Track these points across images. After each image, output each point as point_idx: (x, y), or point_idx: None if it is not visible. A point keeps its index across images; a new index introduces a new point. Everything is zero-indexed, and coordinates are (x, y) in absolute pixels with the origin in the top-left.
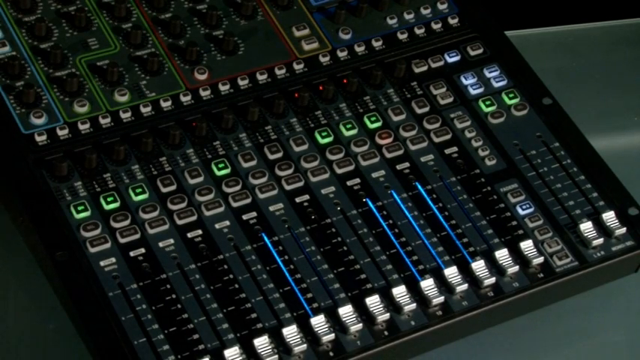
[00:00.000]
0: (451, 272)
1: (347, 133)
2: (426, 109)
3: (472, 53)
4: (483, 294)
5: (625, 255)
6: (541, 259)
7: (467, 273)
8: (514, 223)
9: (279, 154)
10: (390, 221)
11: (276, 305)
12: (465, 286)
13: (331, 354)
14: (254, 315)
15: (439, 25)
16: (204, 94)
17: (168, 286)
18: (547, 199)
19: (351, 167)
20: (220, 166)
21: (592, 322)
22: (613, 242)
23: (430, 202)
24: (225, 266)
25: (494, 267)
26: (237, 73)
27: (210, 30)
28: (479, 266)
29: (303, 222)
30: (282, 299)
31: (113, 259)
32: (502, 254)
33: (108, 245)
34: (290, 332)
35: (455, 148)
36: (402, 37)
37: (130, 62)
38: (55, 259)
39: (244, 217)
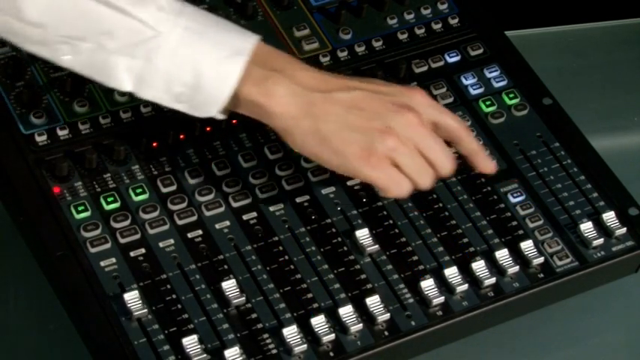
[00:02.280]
0: (451, 272)
1: None
2: None
3: (472, 53)
4: (483, 294)
5: (625, 255)
6: (541, 259)
7: (467, 273)
8: (514, 223)
9: (279, 154)
10: (390, 221)
11: (276, 305)
12: (465, 286)
13: (331, 354)
14: (254, 315)
15: (439, 25)
16: None
17: (168, 286)
18: (547, 199)
19: None
20: (220, 166)
21: (592, 322)
22: (613, 242)
23: (430, 202)
24: (225, 266)
25: (495, 267)
26: None
27: None
28: (479, 266)
29: (303, 222)
30: (282, 299)
31: (113, 259)
32: (502, 254)
33: (108, 245)
34: (290, 332)
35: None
36: (402, 37)
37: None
38: (55, 259)
39: (244, 217)
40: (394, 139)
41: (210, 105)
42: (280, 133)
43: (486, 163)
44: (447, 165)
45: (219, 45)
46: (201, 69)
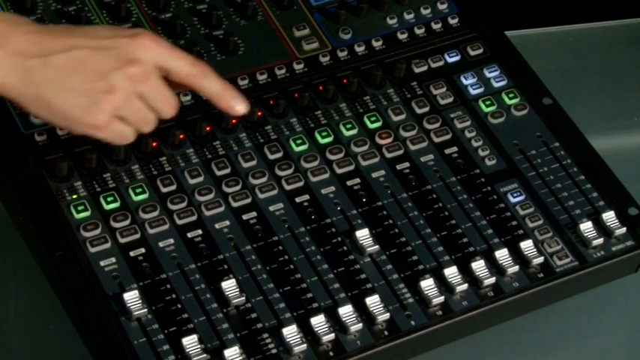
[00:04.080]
0: (451, 272)
1: (347, 133)
2: (426, 109)
3: (472, 53)
4: (483, 294)
5: (625, 255)
6: (541, 259)
7: (467, 273)
8: (514, 223)
9: (279, 154)
10: (390, 221)
11: (276, 305)
12: (465, 286)
13: (331, 354)
14: (254, 315)
15: (439, 25)
16: None
17: (168, 286)
18: (547, 199)
19: (351, 167)
20: (220, 166)
21: (592, 322)
22: (613, 242)
23: (430, 202)
24: (225, 266)
25: (494, 267)
26: (237, 73)
27: (210, 30)
28: (479, 266)
29: (303, 222)
30: (282, 299)
31: (113, 259)
32: (502, 254)
33: (108, 245)
34: (290, 332)
35: (455, 148)
36: (402, 37)
37: None
38: (55, 259)
39: (244, 217)
40: (118, 98)
41: None
42: (14, 103)
43: (232, 105)
44: (167, 111)
45: None
46: None
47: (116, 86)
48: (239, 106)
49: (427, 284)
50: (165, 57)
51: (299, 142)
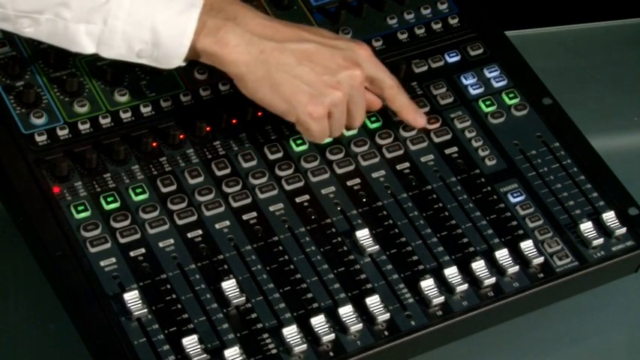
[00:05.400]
0: (451, 272)
1: (347, 133)
2: (426, 109)
3: (472, 53)
4: (483, 294)
5: (625, 255)
6: (541, 259)
7: (467, 273)
8: (514, 223)
9: (279, 154)
10: (390, 221)
11: (276, 305)
12: (465, 286)
13: (331, 354)
14: (254, 315)
15: (439, 25)
16: (204, 94)
17: (168, 286)
18: (547, 199)
19: (351, 167)
20: (220, 166)
21: (592, 322)
22: (613, 242)
23: (430, 202)
24: (225, 266)
25: (494, 267)
26: None
27: None
28: (479, 266)
29: (303, 222)
30: (282, 299)
31: (113, 259)
32: (502, 254)
33: (108, 245)
34: (290, 332)
35: (455, 148)
36: (402, 37)
37: (129, 62)
38: (55, 259)
39: (244, 217)
40: (339, 95)
41: (172, 58)
42: (234, 79)
43: (416, 118)
44: (358, 122)
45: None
46: (157, 26)
47: (341, 84)
48: (421, 119)
49: (427, 284)
50: (377, 68)
51: (299, 142)
